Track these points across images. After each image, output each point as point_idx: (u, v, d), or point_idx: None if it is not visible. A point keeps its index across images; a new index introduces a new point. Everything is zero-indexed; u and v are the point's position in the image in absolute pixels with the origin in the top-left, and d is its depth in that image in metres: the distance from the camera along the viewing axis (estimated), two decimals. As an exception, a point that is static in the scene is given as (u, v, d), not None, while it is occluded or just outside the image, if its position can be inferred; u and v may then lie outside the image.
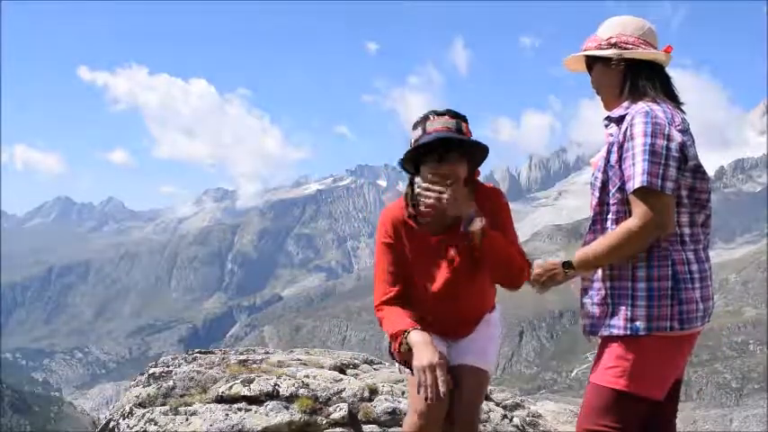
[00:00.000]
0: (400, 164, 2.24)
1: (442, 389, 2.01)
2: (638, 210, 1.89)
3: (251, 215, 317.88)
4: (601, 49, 2.11)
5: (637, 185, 1.87)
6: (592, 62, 2.17)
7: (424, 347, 2.06)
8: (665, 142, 1.89)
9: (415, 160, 2.22)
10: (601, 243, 1.99)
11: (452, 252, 2.27)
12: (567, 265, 2.09)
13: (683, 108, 2.10)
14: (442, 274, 2.29)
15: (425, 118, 2.18)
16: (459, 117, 2.18)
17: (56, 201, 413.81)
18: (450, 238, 2.27)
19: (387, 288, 2.29)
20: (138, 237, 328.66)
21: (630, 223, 1.90)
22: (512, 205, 2.45)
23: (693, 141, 2.01)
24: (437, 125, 2.14)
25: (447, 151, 2.13)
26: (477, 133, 2.24)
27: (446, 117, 2.16)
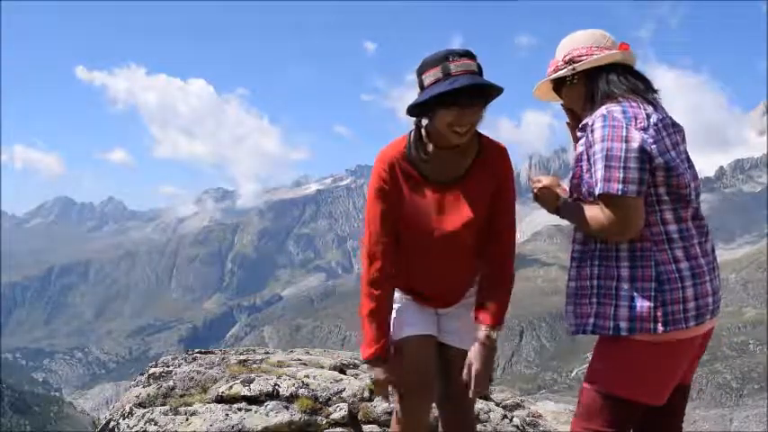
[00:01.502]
0: (411, 108, 2.04)
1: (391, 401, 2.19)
2: (606, 213, 1.89)
3: (251, 215, 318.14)
4: (558, 71, 2.10)
5: (597, 192, 1.88)
6: (558, 87, 2.15)
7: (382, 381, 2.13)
8: (624, 144, 1.85)
9: (425, 104, 2.00)
10: (578, 214, 2.00)
11: (458, 204, 2.13)
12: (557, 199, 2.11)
13: (657, 99, 2.04)
14: (441, 226, 2.13)
15: (445, 58, 1.94)
16: (475, 58, 1.98)
17: (56, 201, 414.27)
18: (455, 188, 2.14)
19: (379, 236, 2.13)
20: (138, 237, 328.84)
21: (601, 217, 1.90)
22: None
23: (664, 137, 1.94)
24: (461, 68, 1.92)
25: (473, 97, 1.95)
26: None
27: (467, 59, 1.94)
